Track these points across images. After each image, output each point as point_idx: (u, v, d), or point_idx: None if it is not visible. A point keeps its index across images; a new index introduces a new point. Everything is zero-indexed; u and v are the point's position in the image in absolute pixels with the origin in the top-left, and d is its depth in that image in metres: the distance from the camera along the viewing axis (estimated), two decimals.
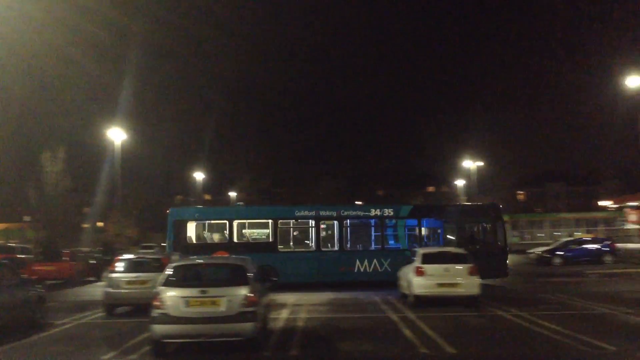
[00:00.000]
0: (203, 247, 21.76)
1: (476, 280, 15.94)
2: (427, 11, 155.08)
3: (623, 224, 46.99)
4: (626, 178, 78.58)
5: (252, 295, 10.30)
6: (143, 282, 15.51)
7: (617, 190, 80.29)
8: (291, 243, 23.21)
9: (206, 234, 23.19)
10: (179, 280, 10.60)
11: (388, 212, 23.27)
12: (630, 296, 17.69)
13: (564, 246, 33.99)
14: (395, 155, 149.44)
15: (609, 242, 34.49)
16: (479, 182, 64.19)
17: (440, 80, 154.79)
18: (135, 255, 18.71)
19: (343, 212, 23.15)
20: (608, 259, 32.59)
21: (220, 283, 10.61)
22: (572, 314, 14.62)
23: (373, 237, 23.45)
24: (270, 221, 22.57)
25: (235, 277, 10.62)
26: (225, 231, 22.71)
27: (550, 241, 42.18)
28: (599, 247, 33.59)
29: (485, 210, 24.47)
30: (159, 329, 10.05)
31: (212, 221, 23.29)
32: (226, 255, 17.07)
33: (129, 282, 15.76)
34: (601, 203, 71.01)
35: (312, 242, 22.73)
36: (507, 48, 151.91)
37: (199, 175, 62.15)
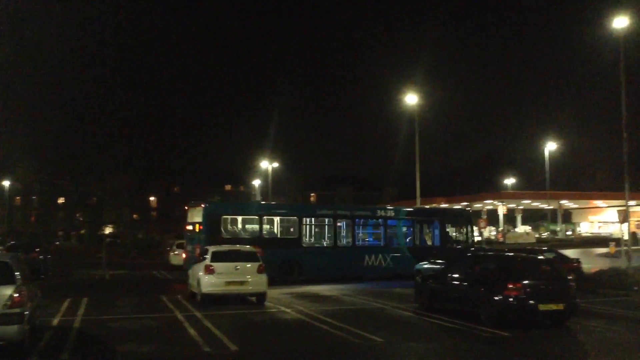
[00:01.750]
0: (234, 241, 21.14)
1: (264, 278, 16.28)
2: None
3: None
4: (401, 185, 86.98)
5: (18, 295, 9.27)
6: None
7: (396, 196, 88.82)
8: (312, 239, 25.07)
9: (238, 228, 23.69)
10: None
11: (390, 213, 26.88)
12: (400, 292, 19.52)
13: None
14: (193, 153, 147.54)
15: None
16: (274, 183, 66.13)
17: (237, 79, 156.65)
18: None
19: (354, 212, 26.13)
20: None
21: None
22: (350, 309, 15.67)
23: (374, 235, 26.49)
24: (295, 218, 24.24)
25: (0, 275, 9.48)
26: (255, 226, 23.60)
27: None
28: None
29: (461, 215, 30.41)
30: None
31: (244, 216, 24.25)
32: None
33: None
34: None
35: (330, 238, 24.84)
36: (294, 57, 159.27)
37: None
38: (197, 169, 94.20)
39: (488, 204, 63.63)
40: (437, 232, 27.10)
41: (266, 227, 23.82)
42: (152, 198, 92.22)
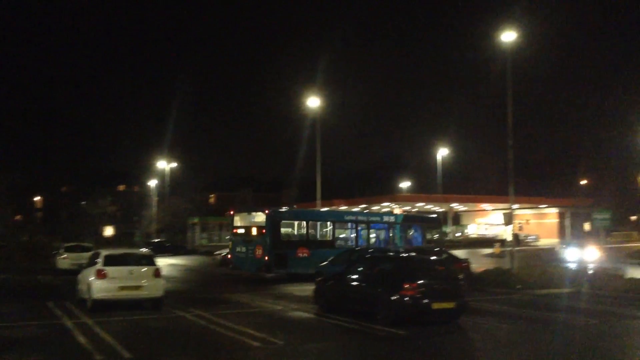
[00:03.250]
0: (289, 243, 25.60)
1: (161, 282, 15.74)
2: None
3: None
4: (302, 187, 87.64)
5: None
6: None
7: (297, 198, 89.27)
8: (341, 241, 27.96)
9: (290, 232, 26.61)
10: None
11: (389, 219, 31.63)
12: (301, 294, 19.57)
13: None
14: (83, 152, 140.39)
15: None
16: (173, 183, 64.29)
17: (134, 76, 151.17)
18: None
19: (370, 218, 30.74)
20: None
21: None
22: (250, 312, 15.51)
23: (382, 237, 29.74)
24: (329, 223, 27.79)
25: None
26: (304, 230, 26.69)
27: None
28: None
29: (435, 220, 36.11)
30: None
31: (297, 221, 27.06)
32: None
33: None
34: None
35: (352, 240, 28.38)
36: (197, 54, 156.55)
37: None
38: (88, 168, 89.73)
39: (385, 206, 65.55)
40: (420, 234, 31.55)
41: (311, 231, 27.06)
42: (37, 198, 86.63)
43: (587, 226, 39.37)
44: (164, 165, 60.59)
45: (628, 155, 64.78)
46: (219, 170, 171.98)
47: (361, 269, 15.20)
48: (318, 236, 27.40)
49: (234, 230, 27.00)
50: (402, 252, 18.93)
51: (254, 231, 25.46)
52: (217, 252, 37.65)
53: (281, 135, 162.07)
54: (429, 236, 31.78)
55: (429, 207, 69.58)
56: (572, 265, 25.72)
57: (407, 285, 12.86)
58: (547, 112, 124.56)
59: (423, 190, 75.67)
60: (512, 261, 24.51)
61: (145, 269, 15.65)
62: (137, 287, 15.38)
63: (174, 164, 61.31)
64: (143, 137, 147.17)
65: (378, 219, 31.78)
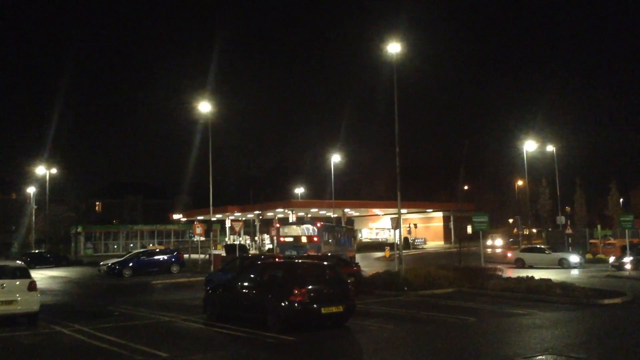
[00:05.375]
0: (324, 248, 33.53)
1: (36, 296, 14.72)
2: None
3: (192, 236, 50.93)
4: (195, 194, 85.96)
5: None
6: None
7: (188, 204, 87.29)
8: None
9: (329, 240, 36.13)
10: None
11: (350, 228, 47.58)
12: (191, 303, 19.02)
13: (134, 258, 34.63)
14: None
15: (176, 253, 36.74)
16: (55, 190, 60.57)
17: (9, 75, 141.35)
18: None
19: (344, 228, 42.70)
20: (175, 269, 34.60)
21: None
22: (135, 325, 14.86)
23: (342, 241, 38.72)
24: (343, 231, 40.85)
25: None
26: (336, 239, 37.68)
27: (124, 253, 42.63)
28: (168, 258, 35.42)
29: (352, 228, 50.94)
30: None
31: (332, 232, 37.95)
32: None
33: None
34: (174, 216, 75.83)
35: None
36: (79, 56, 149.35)
37: None
38: None
39: (279, 212, 65.63)
40: (352, 239, 41.84)
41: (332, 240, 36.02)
42: None
43: (469, 229, 41.67)
44: (43, 171, 56.77)
45: (505, 161, 69.56)
46: (106, 176, 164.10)
47: (252, 275, 15.07)
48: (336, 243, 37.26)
49: (282, 238, 35.59)
50: (294, 258, 19.04)
51: (308, 240, 34.09)
52: (103, 263, 35.80)
53: (172, 140, 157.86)
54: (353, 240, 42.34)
55: (323, 212, 70.60)
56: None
57: (296, 291, 12.90)
58: (433, 120, 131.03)
59: (317, 196, 76.65)
60: (399, 264, 25.36)
61: (19, 282, 14.58)
62: (10, 302, 14.29)
63: (55, 170, 57.55)
64: (21, 142, 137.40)
65: (346, 228, 45.08)
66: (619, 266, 29.76)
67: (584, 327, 14.17)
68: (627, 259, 29.59)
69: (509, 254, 36.35)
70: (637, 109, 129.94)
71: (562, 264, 32.61)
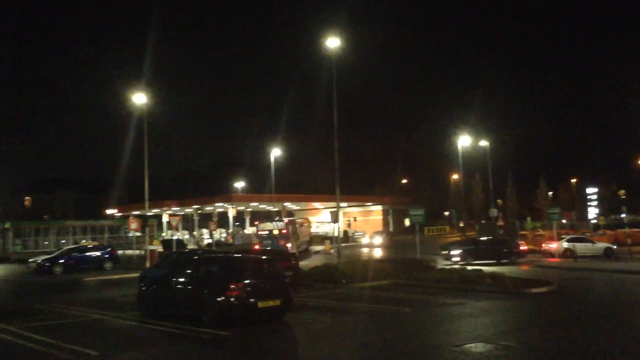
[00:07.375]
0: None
1: None
2: None
3: (127, 232, 49.62)
4: (130, 188, 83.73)
5: None
6: None
7: (123, 199, 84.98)
8: None
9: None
10: None
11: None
12: (124, 300, 18.52)
13: (65, 254, 33.44)
14: None
15: (110, 249, 35.69)
16: None
17: None
18: None
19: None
20: (109, 265, 33.61)
21: None
22: (65, 323, 14.38)
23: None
24: None
25: None
26: None
27: (55, 249, 41.11)
28: (101, 254, 34.36)
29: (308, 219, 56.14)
30: None
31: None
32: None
33: None
34: (108, 211, 73.69)
35: None
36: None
37: None
38: None
39: (219, 207, 64.93)
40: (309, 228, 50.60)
41: None
42: None
43: (407, 222, 42.47)
44: None
45: (441, 156, 71.31)
46: (37, 171, 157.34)
47: (188, 271, 14.81)
48: None
49: (260, 232, 42.53)
50: (230, 253, 18.87)
51: (280, 232, 40.44)
52: (33, 260, 34.38)
53: (107, 134, 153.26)
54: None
55: (263, 206, 70.33)
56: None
57: (233, 286, 12.78)
58: (372, 114, 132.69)
59: (257, 190, 76.29)
60: (338, 257, 25.61)
61: None
62: None
63: None
64: None
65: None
66: (447, 257, 31.25)
67: (512, 316, 14.72)
68: (456, 252, 30.98)
69: (552, 245, 34.73)
70: (566, 105, 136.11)
71: (608, 254, 32.40)
